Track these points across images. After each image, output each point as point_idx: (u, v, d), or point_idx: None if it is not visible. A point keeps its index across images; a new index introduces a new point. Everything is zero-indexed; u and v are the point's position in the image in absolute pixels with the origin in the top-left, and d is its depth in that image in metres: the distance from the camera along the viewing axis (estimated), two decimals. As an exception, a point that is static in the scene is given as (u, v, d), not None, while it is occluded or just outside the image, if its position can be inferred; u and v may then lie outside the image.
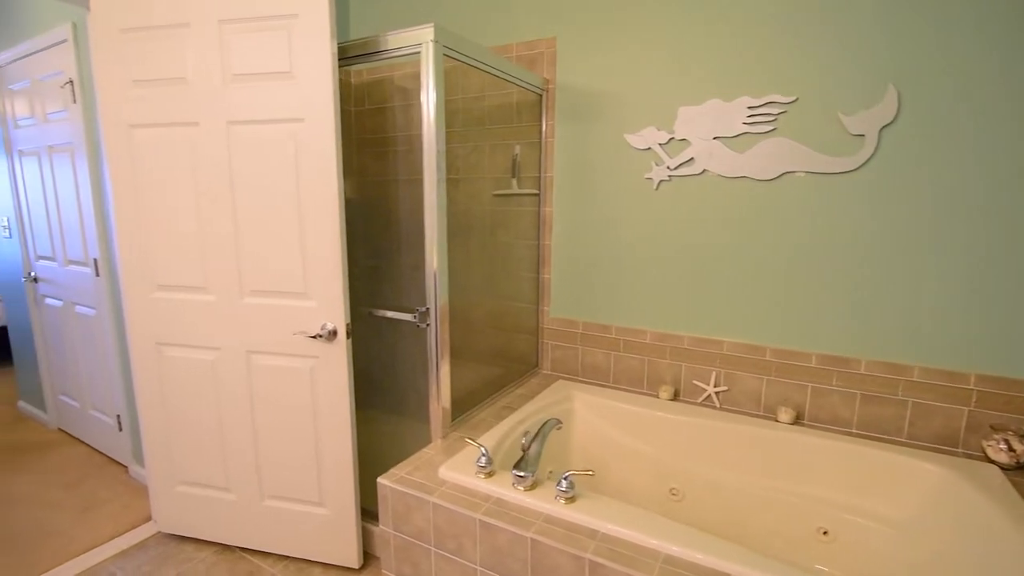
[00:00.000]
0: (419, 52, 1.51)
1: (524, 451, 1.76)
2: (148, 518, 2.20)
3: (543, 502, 1.30)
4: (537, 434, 1.45)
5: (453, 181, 2.37)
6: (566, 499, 1.30)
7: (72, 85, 2.22)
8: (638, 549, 1.16)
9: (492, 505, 1.32)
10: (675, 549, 1.14)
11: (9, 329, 3.29)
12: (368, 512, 1.92)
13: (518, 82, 1.95)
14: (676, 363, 2.03)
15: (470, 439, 1.46)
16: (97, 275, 2.38)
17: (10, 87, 2.65)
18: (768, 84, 1.73)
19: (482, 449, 1.43)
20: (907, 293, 1.64)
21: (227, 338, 1.78)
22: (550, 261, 2.24)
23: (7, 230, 2.98)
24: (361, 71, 2.47)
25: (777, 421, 1.83)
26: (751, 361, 1.89)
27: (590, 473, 1.29)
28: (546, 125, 2.15)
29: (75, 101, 2.23)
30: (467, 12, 2.24)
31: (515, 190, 2.18)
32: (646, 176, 1.98)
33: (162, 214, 1.75)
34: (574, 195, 2.14)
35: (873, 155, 1.62)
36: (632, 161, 2.00)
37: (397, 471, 1.49)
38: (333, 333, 1.66)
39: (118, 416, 2.51)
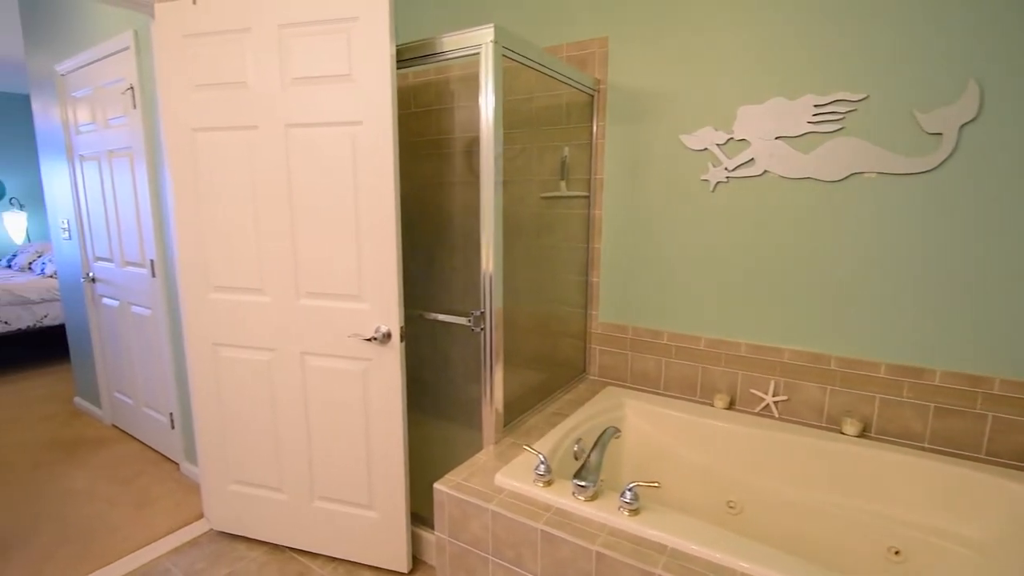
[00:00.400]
0: (478, 53, 1.49)
1: (577, 459, 1.72)
2: (200, 515, 2.24)
3: (607, 514, 1.26)
4: (596, 443, 1.41)
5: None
6: (630, 511, 1.26)
7: (133, 91, 2.29)
8: (710, 566, 1.11)
9: (553, 515, 1.29)
10: (752, 568, 1.09)
11: (67, 327, 3.41)
12: (416, 516, 1.91)
13: (571, 83, 1.92)
14: (732, 371, 1.96)
15: (528, 446, 1.44)
16: (153, 276, 2.44)
17: (73, 94, 2.75)
18: (836, 81, 1.66)
19: (540, 457, 1.40)
20: (986, 300, 1.54)
21: (282, 339, 1.79)
22: (599, 264, 2.20)
23: (67, 232, 3.09)
24: (407, 74, 2.47)
25: (842, 433, 1.75)
26: (813, 370, 1.81)
27: (655, 485, 1.25)
28: (597, 126, 2.11)
29: (135, 107, 2.30)
30: (516, 14, 2.22)
31: (564, 192, 2.15)
32: (702, 178, 1.92)
33: (221, 216, 1.78)
34: (625, 197, 2.10)
35: (952, 155, 1.54)
36: (687, 162, 1.94)
37: (453, 477, 1.47)
38: (387, 336, 1.66)
39: (171, 414, 2.57)
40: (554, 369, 2.16)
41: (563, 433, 1.72)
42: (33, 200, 6.18)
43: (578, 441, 1.76)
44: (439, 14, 2.43)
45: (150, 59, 2.19)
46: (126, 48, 2.28)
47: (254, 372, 1.86)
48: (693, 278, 2.00)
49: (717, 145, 1.88)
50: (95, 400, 3.27)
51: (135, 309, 2.67)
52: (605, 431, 1.46)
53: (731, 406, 1.97)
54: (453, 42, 1.53)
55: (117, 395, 3.03)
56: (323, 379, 1.78)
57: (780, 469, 1.77)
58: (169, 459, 2.73)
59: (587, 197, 2.17)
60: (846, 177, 1.68)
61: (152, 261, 2.41)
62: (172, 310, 2.40)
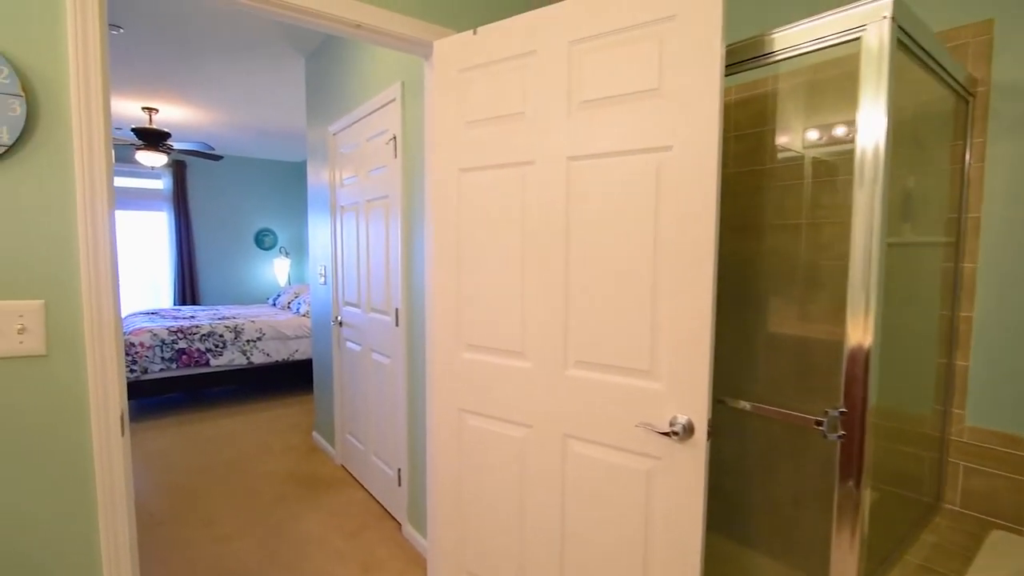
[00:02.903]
0: (856, 39, 1.04)
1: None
2: (424, 597, 2.01)
3: None
4: None
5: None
6: None
7: (395, 141, 2.31)
8: None
9: None
10: None
11: (314, 365, 3.67)
12: None
13: (953, 83, 1.35)
14: None
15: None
16: (396, 325, 2.39)
17: (341, 151, 2.97)
18: None
19: None
20: None
21: (541, 415, 1.48)
22: (969, 341, 1.51)
23: (323, 277, 3.34)
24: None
25: None
26: None
27: None
28: (971, 144, 1.48)
29: (396, 155, 2.31)
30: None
31: (907, 238, 1.53)
32: None
33: (482, 264, 1.56)
34: (1021, 244, 1.41)
35: None
36: None
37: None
38: (688, 430, 1.22)
39: (399, 470, 2.45)
40: (895, 493, 1.50)
41: (969, 616, 1.08)
42: (295, 248, 7.31)
43: (992, 632, 1.09)
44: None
45: (415, 107, 2.17)
46: (393, 100, 2.32)
47: (503, 450, 1.57)
48: None
49: None
50: (329, 438, 3.41)
51: (375, 356, 2.67)
52: None
53: None
54: (814, 30, 1.11)
55: (349, 437, 3.08)
56: (589, 473, 1.40)
57: None
58: (392, 516, 2.61)
59: (952, 244, 1.52)
60: None
61: (397, 310, 2.37)
62: (412, 362, 2.30)
